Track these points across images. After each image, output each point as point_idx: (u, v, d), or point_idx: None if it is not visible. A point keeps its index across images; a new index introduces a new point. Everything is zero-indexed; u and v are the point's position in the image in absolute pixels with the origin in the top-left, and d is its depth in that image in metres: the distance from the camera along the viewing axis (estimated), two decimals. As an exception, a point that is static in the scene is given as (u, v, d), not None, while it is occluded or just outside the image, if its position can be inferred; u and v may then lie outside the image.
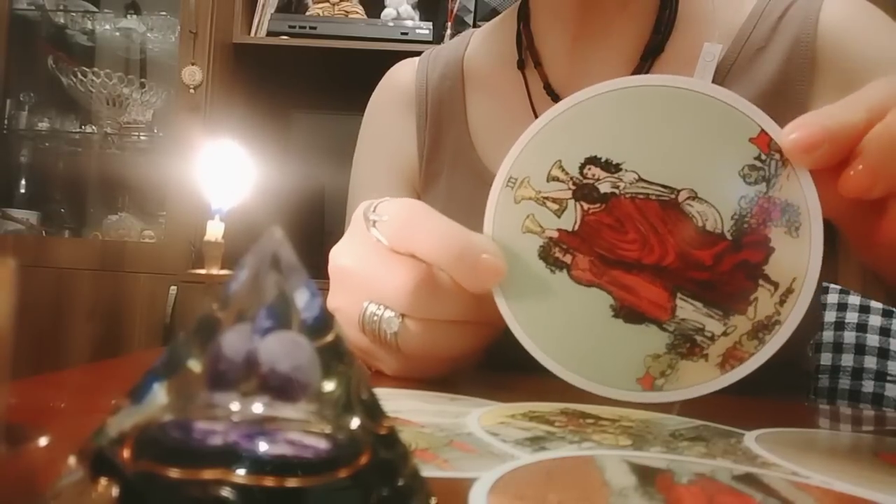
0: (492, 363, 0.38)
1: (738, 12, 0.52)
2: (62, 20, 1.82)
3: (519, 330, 0.31)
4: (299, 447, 0.13)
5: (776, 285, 0.29)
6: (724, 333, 0.29)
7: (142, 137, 1.77)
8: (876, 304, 0.76)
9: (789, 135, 0.27)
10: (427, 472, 0.19)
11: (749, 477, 0.20)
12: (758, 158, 0.29)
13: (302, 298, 0.14)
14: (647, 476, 0.20)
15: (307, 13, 1.77)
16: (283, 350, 0.13)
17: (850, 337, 0.75)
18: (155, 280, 1.55)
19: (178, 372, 0.14)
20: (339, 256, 0.37)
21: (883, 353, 0.73)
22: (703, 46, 0.50)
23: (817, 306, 0.62)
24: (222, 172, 0.35)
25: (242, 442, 0.12)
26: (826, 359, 0.75)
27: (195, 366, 0.14)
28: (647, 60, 0.52)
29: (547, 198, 0.32)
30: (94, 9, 1.82)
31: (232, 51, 1.72)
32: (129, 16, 1.78)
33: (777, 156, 0.28)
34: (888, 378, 0.72)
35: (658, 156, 0.30)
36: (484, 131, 0.59)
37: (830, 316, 0.77)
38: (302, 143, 1.83)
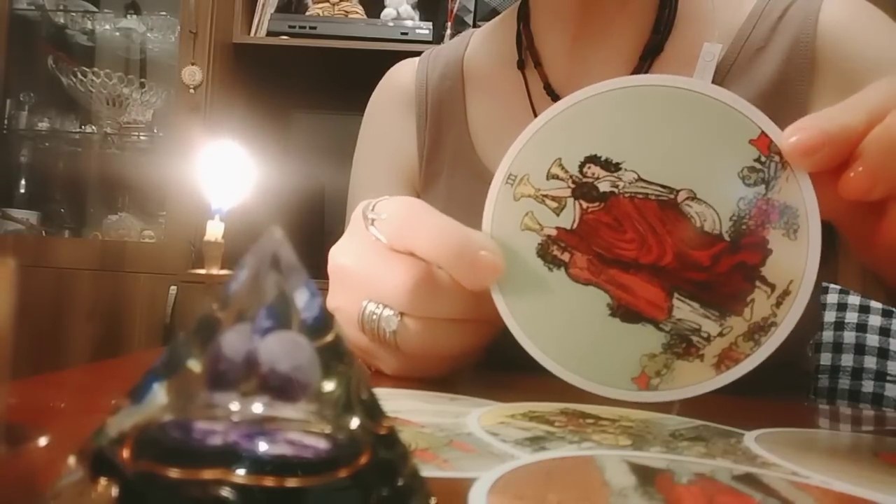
0: (491, 363, 0.38)
1: (737, 12, 0.52)
2: (62, 20, 1.82)
3: (516, 327, 0.31)
4: (299, 447, 0.13)
5: (773, 287, 0.29)
6: (721, 334, 0.29)
7: (142, 137, 1.77)
8: (876, 304, 0.76)
9: (789, 138, 0.27)
10: (427, 472, 0.19)
11: (749, 477, 0.20)
12: (757, 160, 0.29)
13: (302, 298, 0.14)
14: (646, 476, 0.20)
15: (307, 13, 1.77)
16: (283, 350, 0.14)
17: (849, 337, 0.75)
18: (155, 280, 1.55)
19: (178, 372, 0.14)
20: (339, 256, 0.37)
21: (883, 353, 0.73)
22: (702, 46, 0.50)
23: (817, 306, 0.62)
24: (222, 172, 0.35)
25: (242, 442, 0.12)
26: (826, 359, 0.75)
27: (195, 366, 0.14)
28: (646, 60, 0.52)
29: (546, 196, 0.32)
30: (94, 9, 1.82)
31: (232, 51, 1.72)
32: (129, 16, 1.78)
33: (777, 158, 0.28)
34: (888, 378, 0.72)
35: (658, 156, 0.30)
36: (484, 131, 0.59)
37: (830, 316, 0.77)
38: (302, 143, 1.83)
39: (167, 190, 1.61)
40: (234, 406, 0.13)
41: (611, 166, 0.31)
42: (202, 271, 0.34)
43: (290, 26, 1.70)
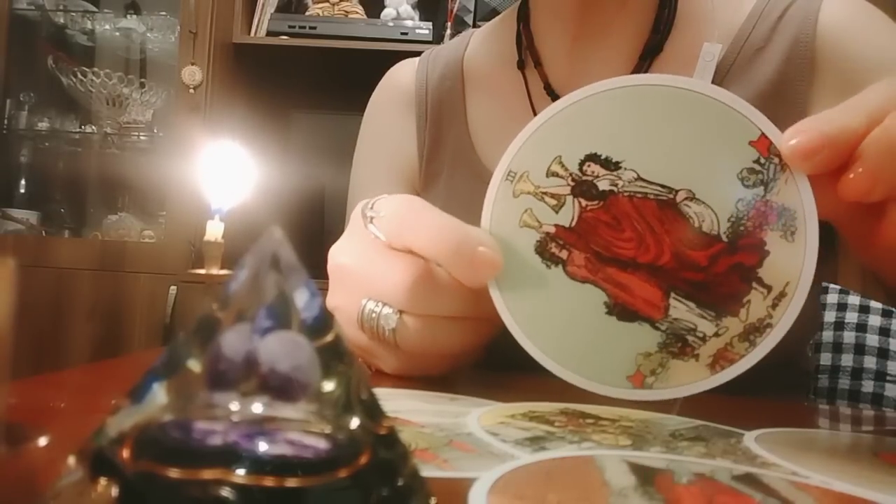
0: (491, 363, 0.38)
1: (737, 12, 0.52)
2: (62, 20, 1.82)
3: (512, 323, 0.31)
4: (299, 447, 0.13)
5: (769, 288, 0.29)
6: (716, 334, 0.29)
7: (142, 137, 1.77)
8: (876, 304, 0.76)
9: (789, 140, 0.27)
10: (427, 472, 0.19)
11: (749, 477, 0.20)
12: (757, 162, 0.29)
13: (302, 298, 0.14)
14: (646, 476, 0.20)
15: (307, 13, 1.77)
16: (283, 350, 0.14)
17: (849, 337, 0.75)
18: (155, 280, 1.55)
19: (178, 372, 0.14)
20: (338, 255, 0.37)
21: (882, 353, 0.73)
22: (702, 46, 0.50)
23: (817, 306, 0.62)
24: (222, 172, 0.35)
25: (242, 442, 0.12)
26: (826, 359, 0.75)
27: (195, 366, 0.14)
28: (646, 60, 0.52)
29: (546, 193, 0.32)
30: (94, 9, 1.82)
31: (232, 51, 1.72)
32: (129, 16, 1.78)
33: (776, 160, 0.28)
34: (888, 378, 0.72)
35: (657, 156, 0.30)
36: (484, 131, 0.59)
37: (830, 316, 0.77)
38: (302, 143, 1.83)
39: (167, 190, 1.61)
40: (234, 406, 0.13)
41: (610, 165, 0.31)
42: (202, 271, 0.34)
43: (290, 26, 1.70)
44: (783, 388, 0.50)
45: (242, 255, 0.15)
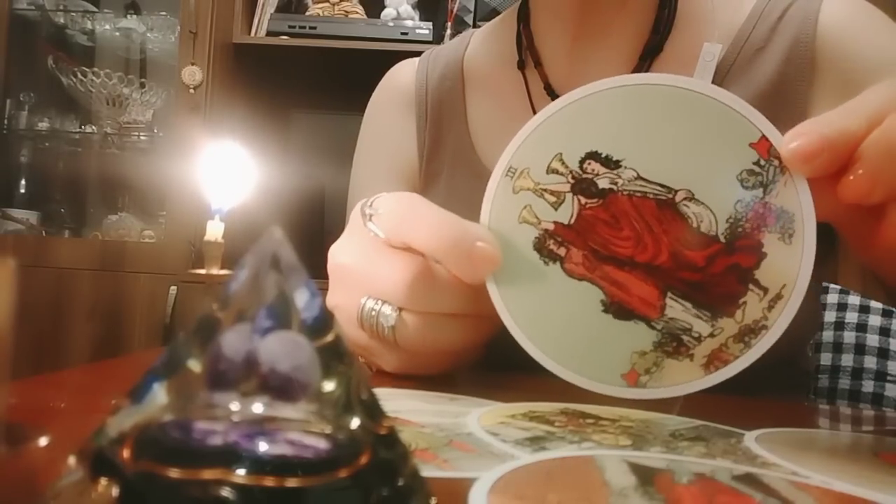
0: (491, 363, 0.38)
1: (737, 12, 0.52)
2: (62, 20, 1.82)
3: (509, 319, 0.32)
4: (299, 447, 0.13)
5: (766, 290, 0.29)
6: (711, 335, 0.29)
7: (142, 137, 1.77)
8: (876, 304, 0.76)
9: (789, 144, 0.27)
10: (427, 472, 0.19)
11: (749, 477, 0.20)
12: (756, 163, 0.29)
13: (302, 298, 0.14)
14: (646, 476, 0.20)
15: (307, 13, 1.77)
16: (283, 350, 0.14)
17: (849, 337, 0.75)
18: (155, 280, 1.55)
19: (178, 372, 0.14)
20: (338, 254, 0.37)
21: (883, 353, 0.73)
22: (702, 46, 0.50)
23: (817, 306, 0.62)
24: (222, 172, 0.35)
25: (242, 442, 0.12)
26: (826, 359, 0.75)
27: (195, 366, 0.14)
28: (646, 60, 0.52)
29: (545, 190, 0.32)
30: (94, 9, 1.82)
31: (232, 51, 1.72)
32: (129, 16, 1.78)
33: (776, 162, 0.28)
34: (888, 378, 0.72)
35: (658, 155, 0.30)
36: (484, 131, 0.59)
37: (830, 316, 0.77)
38: (302, 143, 1.83)
39: (167, 190, 1.61)
40: (234, 406, 0.13)
41: (611, 163, 0.31)
42: (202, 271, 0.34)
43: (290, 26, 1.70)
44: (783, 388, 0.50)
45: (242, 255, 0.15)
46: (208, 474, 0.12)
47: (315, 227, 1.70)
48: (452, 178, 0.59)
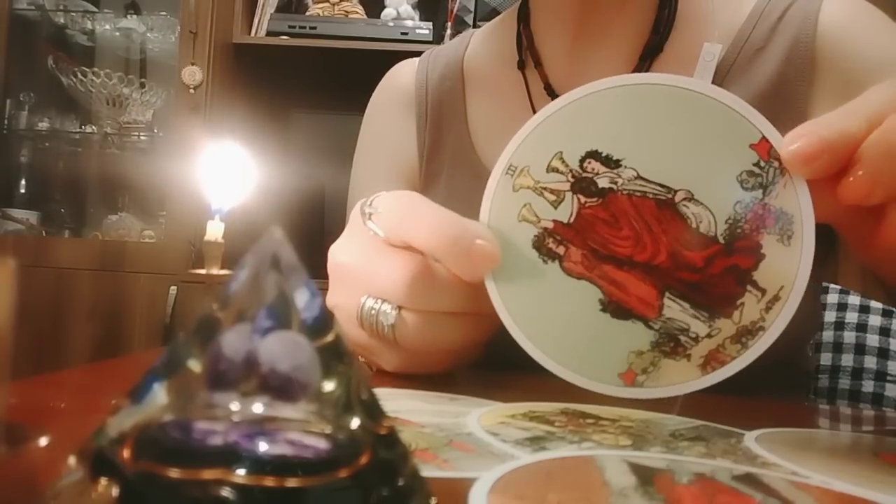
0: (491, 363, 0.38)
1: (737, 12, 0.52)
2: (62, 20, 1.82)
3: (507, 317, 0.32)
4: (299, 447, 0.13)
5: (763, 292, 0.29)
6: (709, 335, 0.29)
7: (142, 137, 1.77)
8: (876, 304, 0.76)
9: (789, 146, 0.27)
10: (427, 472, 0.19)
11: (749, 477, 0.20)
12: (756, 165, 0.29)
13: (302, 298, 0.14)
14: (646, 476, 0.20)
15: (307, 13, 1.77)
16: (283, 350, 0.14)
17: (850, 337, 0.75)
18: (155, 280, 1.55)
19: (178, 372, 0.14)
20: (337, 253, 0.37)
21: (883, 353, 0.73)
22: (702, 46, 0.50)
23: (817, 306, 0.62)
24: (222, 172, 0.35)
25: (242, 442, 0.12)
26: (826, 359, 0.75)
27: (195, 366, 0.14)
28: (646, 60, 0.52)
29: (545, 188, 0.32)
30: (94, 9, 1.82)
31: (232, 51, 1.72)
32: (129, 16, 1.78)
33: (776, 163, 0.28)
34: (888, 378, 0.72)
35: (658, 155, 0.30)
36: (484, 131, 0.59)
37: (830, 316, 0.77)
38: (302, 143, 1.83)
39: (167, 190, 1.61)
40: (234, 406, 0.13)
41: (611, 163, 0.31)
42: (202, 271, 0.34)
43: (290, 26, 1.70)
44: (783, 388, 0.50)
45: (242, 255, 0.15)
46: (208, 474, 0.12)
47: (315, 227, 1.70)
48: (452, 178, 0.59)
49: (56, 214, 1.80)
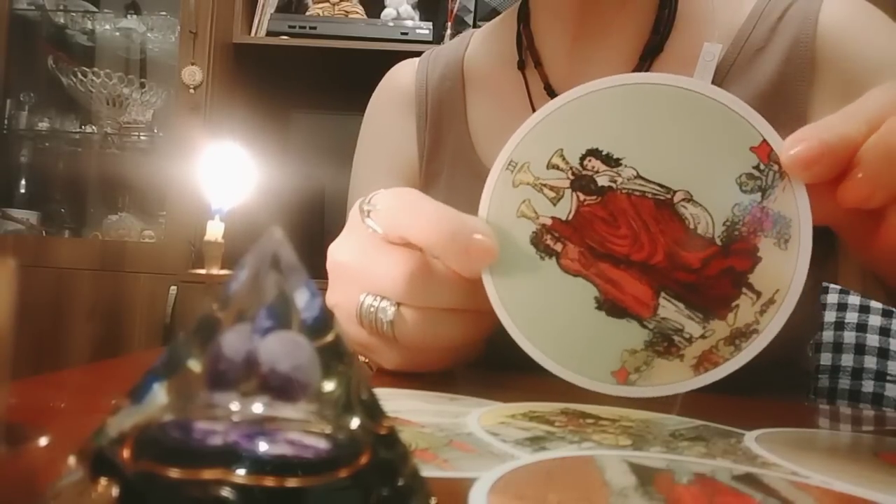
0: (490, 363, 0.38)
1: (737, 13, 0.52)
2: (62, 20, 1.82)
3: (503, 312, 0.32)
4: (299, 447, 0.13)
5: (759, 294, 0.29)
6: (702, 336, 0.30)
7: (142, 137, 1.77)
8: (876, 304, 0.76)
9: (790, 150, 0.27)
10: (427, 472, 0.19)
11: (749, 477, 0.20)
12: (756, 168, 0.29)
13: (302, 298, 0.14)
14: (646, 476, 0.20)
15: (307, 13, 1.77)
16: (283, 350, 0.14)
17: (849, 337, 0.75)
18: (155, 280, 1.55)
19: (178, 372, 0.14)
20: (336, 252, 0.37)
21: (883, 353, 0.73)
22: (702, 46, 0.50)
23: (817, 307, 0.62)
24: (222, 172, 0.35)
25: (242, 442, 0.12)
26: (826, 359, 0.75)
27: (195, 366, 0.14)
28: (646, 60, 0.52)
29: (545, 185, 0.32)
30: (94, 9, 1.82)
31: (232, 51, 1.72)
32: (129, 16, 1.78)
33: (776, 167, 0.28)
34: (888, 378, 0.72)
35: (658, 155, 0.30)
36: (484, 132, 0.59)
37: (830, 316, 0.77)
38: (302, 143, 1.83)
39: (167, 190, 1.61)
40: (234, 406, 0.13)
41: (611, 161, 0.31)
42: (202, 271, 0.34)
43: (290, 26, 1.70)
44: (783, 388, 0.50)
45: (242, 255, 0.15)
46: (208, 474, 0.12)
47: (315, 227, 1.70)
48: (452, 178, 0.59)
49: (56, 214, 1.80)
